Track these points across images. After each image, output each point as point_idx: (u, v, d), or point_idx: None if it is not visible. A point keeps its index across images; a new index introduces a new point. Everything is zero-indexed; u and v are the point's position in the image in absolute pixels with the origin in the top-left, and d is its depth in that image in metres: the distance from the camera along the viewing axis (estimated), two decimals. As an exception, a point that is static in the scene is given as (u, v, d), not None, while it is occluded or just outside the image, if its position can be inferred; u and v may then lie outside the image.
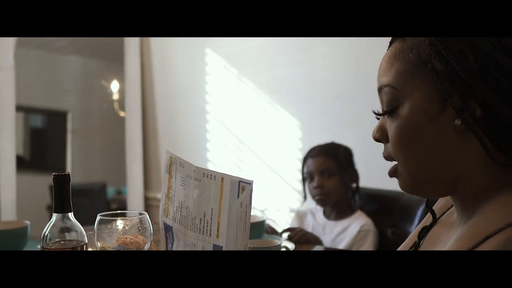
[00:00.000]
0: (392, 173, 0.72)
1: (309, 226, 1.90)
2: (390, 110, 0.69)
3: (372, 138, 0.75)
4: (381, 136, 0.72)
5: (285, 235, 1.69)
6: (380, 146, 0.74)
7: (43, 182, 3.57)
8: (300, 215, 1.97)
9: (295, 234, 1.67)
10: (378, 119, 0.74)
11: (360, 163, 1.91)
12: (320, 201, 1.84)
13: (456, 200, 0.70)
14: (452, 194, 0.70)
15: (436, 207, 0.82)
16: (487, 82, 0.62)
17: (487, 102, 0.62)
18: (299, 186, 1.93)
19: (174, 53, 3.29)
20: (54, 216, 0.90)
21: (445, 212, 0.79)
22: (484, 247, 0.59)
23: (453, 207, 0.75)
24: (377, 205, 1.88)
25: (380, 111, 0.73)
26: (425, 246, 0.78)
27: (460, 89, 0.63)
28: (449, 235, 0.71)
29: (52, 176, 0.89)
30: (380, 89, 0.71)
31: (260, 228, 1.50)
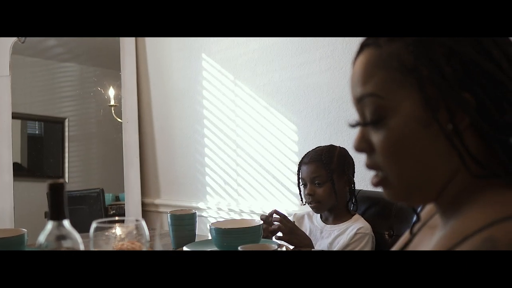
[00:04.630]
0: (379, 183, 0.70)
1: (307, 229, 1.91)
2: (376, 120, 0.66)
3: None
4: (366, 146, 0.70)
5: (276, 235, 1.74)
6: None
7: (41, 189, 3.56)
8: (298, 218, 1.97)
9: (282, 225, 1.73)
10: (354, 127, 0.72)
11: (356, 166, 1.91)
12: (314, 208, 1.86)
13: (437, 202, 0.70)
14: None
15: (423, 211, 0.82)
16: (471, 89, 0.61)
17: (469, 111, 0.61)
18: (296, 190, 1.93)
19: (170, 58, 3.29)
20: (50, 224, 0.90)
21: (433, 216, 0.78)
22: (463, 247, 0.59)
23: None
24: (374, 207, 1.88)
25: (359, 121, 0.71)
26: (411, 248, 0.78)
27: (446, 97, 0.62)
28: (432, 238, 0.71)
29: (47, 184, 0.89)
30: (360, 99, 0.69)
31: (257, 233, 1.50)
